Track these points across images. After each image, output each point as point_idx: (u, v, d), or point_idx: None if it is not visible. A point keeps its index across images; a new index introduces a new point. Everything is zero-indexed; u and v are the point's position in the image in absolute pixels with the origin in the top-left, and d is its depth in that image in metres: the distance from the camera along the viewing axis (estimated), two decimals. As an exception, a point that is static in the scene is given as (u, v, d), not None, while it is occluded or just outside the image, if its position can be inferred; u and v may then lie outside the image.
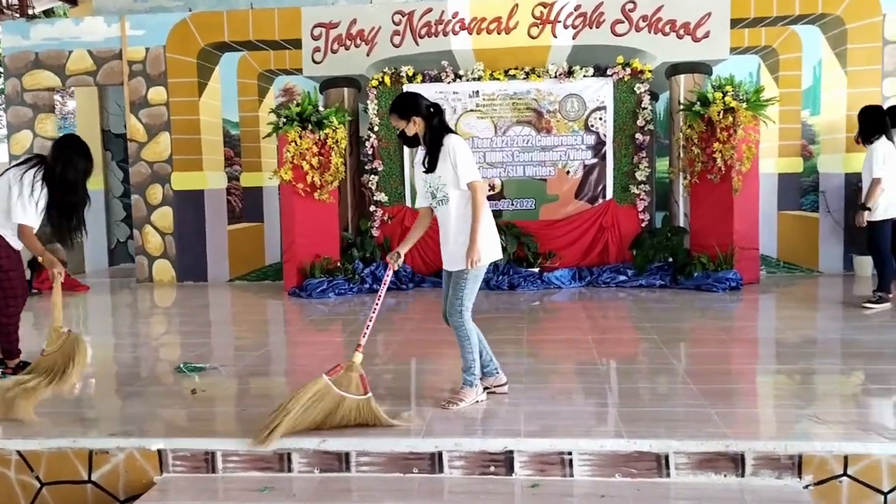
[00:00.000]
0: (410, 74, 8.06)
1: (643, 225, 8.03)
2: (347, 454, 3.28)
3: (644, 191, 8.00)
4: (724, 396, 3.84)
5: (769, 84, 7.93)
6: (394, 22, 8.22)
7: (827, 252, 8.05)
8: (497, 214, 8.13)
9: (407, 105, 3.79)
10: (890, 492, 3.10)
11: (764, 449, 3.14)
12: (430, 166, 3.78)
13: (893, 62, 7.89)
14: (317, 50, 8.31)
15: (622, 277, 7.78)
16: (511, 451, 3.24)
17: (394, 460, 3.27)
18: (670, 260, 7.76)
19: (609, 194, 8.10)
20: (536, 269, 7.86)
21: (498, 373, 4.00)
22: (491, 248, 3.77)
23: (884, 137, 6.16)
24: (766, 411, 3.75)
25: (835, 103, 7.97)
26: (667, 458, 3.18)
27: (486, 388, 3.94)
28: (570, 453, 3.22)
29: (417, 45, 8.19)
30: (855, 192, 7.93)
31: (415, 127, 3.77)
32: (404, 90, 8.08)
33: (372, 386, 3.54)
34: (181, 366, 4.73)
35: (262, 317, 6.95)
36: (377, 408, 3.48)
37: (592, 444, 3.22)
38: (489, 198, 8.09)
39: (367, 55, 8.24)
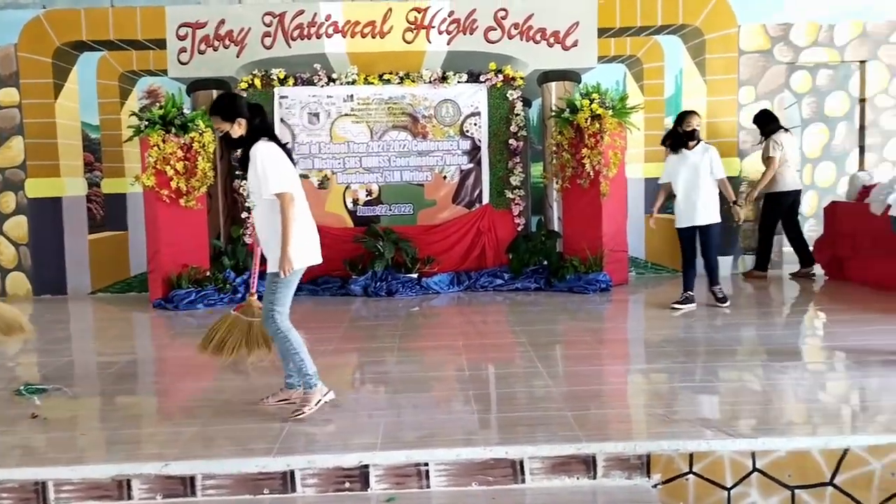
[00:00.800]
0: (282, 77, 7.87)
1: (519, 229, 8.15)
2: (192, 478, 3.10)
3: (519, 195, 8.11)
4: (583, 399, 3.90)
5: (635, 92, 8.23)
6: (264, 23, 7.98)
7: (691, 253, 8.39)
8: (375, 220, 8.07)
9: (230, 106, 3.69)
10: (733, 487, 3.21)
11: (614, 450, 3.19)
12: (243, 168, 3.71)
13: (748, 71, 8.35)
14: (183, 50, 7.96)
15: (499, 281, 7.85)
16: (366, 466, 3.15)
17: (242, 482, 3.12)
18: (545, 263, 7.90)
19: (485, 199, 8.17)
20: (415, 275, 7.82)
21: (300, 387, 3.91)
22: (304, 253, 3.71)
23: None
24: (620, 412, 3.82)
25: (696, 110, 8.32)
26: (522, 463, 3.18)
27: (281, 400, 3.89)
28: (426, 464, 3.16)
29: (290, 47, 7.98)
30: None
31: (240, 129, 3.67)
32: (276, 93, 7.89)
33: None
34: (22, 388, 4.38)
35: (122, 331, 6.58)
36: None
37: (449, 453, 3.18)
38: (368, 203, 8.08)
39: (237, 56, 7.96)
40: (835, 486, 3.21)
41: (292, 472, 3.13)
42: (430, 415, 3.74)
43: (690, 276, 6.46)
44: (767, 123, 7.91)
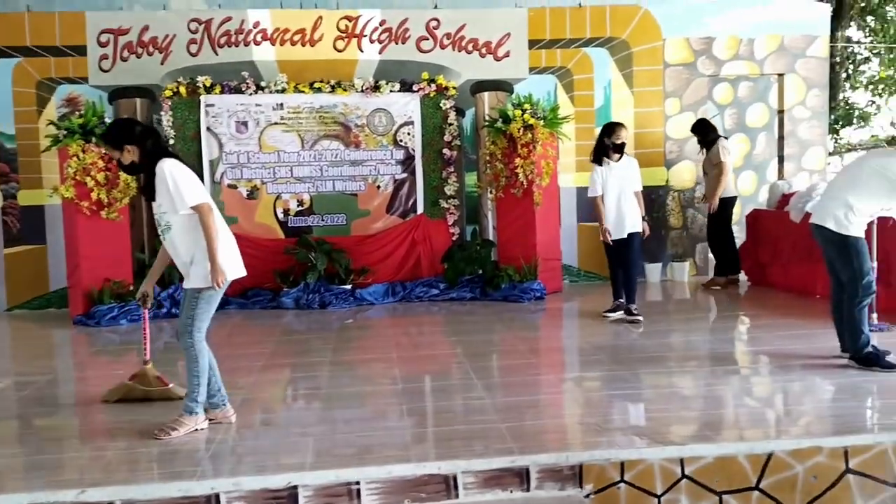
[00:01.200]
0: (208, 85, 7.68)
1: (454, 238, 8.13)
2: (110, 505, 2.97)
3: (453, 205, 8.11)
4: (517, 410, 3.89)
5: (565, 103, 8.34)
6: (190, 30, 7.79)
7: (622, 261, 8.53)
8: (307, 230, 7.94)
9: (117, 134, 3.65)
10: (663, 494, 3.25)
11: (547, 461, 3.19)
12: (149, 194, 3.62)
13: (673, 83, 8.56)
14: (104, 57, 7.70)
15: (435, 291, 7.83)
16: (295, 487, 3.06)
17: (164, 507, 2.99)
18: (480, 272, 7.91)
19: (420, 209, 8.13)
20: (349, 286, 7.72)
21: (225, 405, 3.84)
22: (230, 265, 3.65)
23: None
24: (553, 422, 3.83)
25: (624, 121, 8.46)
26: (455, 478, 3.14)
27: (211, 420, 3.78)
28: (357, 483, 3.10)
29: (216, 54, 7.82)
30: (645, 203, 8.49)
31: (130, 155, 3.61)
32: (202, 101, 7.70)
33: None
34: (-73, 413, 4.13)
35: (40, 350, 6.28)
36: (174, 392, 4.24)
37: (380, 471, 3.12)
38: (300, 213, 7.95)
39: (162, 64, 7.76)
40: (760, 491, 3.28)
41: (217, 496, 3.01)
42: (363, 431, 3.67)
43: (620, 284, 6.50)
44: (708, 132, 8.07)
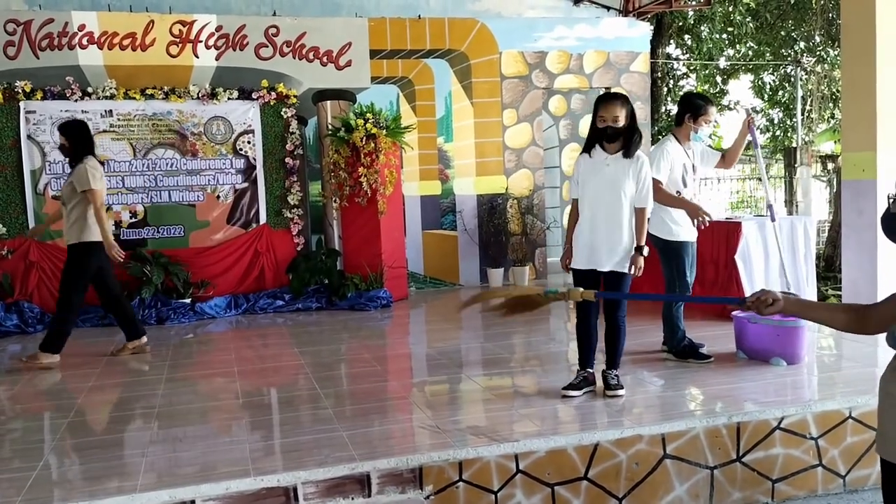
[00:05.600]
0: (28, 90, 7.16)
1: (298, 249, 8.04)
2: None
3: (297, 215, 8.02)
4: (359, 417, 3.92)
5: (407, 112, 8.48)
6: (7, 31, 7.21)
7: (466, 266, 8.81)
8: (141, 243, 7.58)
9: None
10: (499, 490, 3.39)
11: (387, 466, 3.24)
12: None
13: (510, 95, 8.92)
14: None
15: (280, 302, 7.70)
16: (125, 511, 2.93)
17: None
18: (326, 282, 7.87)
19: (263, 219, 7.97)
20: (188, 300, 7.44)
21: None
22: None
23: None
24: (395, 427, 3.88)
25: (465, 131, 8.77)
26: (295, 489, 3.13)
27: None
28: (192, 502, 3.01)
29: (37, 58, 7.28)
30: (486, 210, 8.80)
31: None
32: (22, 107, 7.18)
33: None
34: None
35: None
36: None
37: (217, 487, 3.05)
38: (133, 225, 7.57)
39: (-25, 67, 7.15)
40: (589, 480, 3.50)
41: (38, 528, 2.83)
42: (200, 448, 3.56)
43: (589, 345, 4.34)
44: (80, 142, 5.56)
